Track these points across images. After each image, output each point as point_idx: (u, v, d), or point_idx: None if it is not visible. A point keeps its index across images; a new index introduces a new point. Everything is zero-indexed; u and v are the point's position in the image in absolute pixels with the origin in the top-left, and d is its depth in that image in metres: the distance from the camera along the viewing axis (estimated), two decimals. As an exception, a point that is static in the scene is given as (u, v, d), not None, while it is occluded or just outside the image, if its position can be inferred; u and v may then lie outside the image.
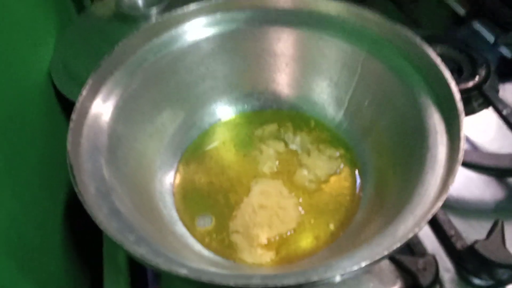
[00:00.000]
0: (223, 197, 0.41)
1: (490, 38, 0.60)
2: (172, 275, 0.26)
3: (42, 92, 0.45)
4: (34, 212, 0.38)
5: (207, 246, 0.37)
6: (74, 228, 0.44)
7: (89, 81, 0.35)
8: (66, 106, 0.47)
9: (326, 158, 0.43)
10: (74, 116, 0.33)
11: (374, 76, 0.41)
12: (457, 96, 0.33)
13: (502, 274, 0.35)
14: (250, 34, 0.44)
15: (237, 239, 0.38)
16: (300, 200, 0.40)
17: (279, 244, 0.38)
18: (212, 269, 0.29)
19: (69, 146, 0.31)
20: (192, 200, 0.41)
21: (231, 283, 0.24)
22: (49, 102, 0.46)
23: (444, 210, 0.40)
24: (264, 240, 0.38)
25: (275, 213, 0.39)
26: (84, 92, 0.34)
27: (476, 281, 0.36)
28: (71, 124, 0.32)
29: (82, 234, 0.45)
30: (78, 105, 0.34)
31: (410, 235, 0.26)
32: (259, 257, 0.37)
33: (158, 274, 0.40)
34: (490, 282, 0.36)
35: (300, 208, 0.40)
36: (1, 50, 0.38)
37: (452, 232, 0.39)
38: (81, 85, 0.35)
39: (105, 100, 0.37)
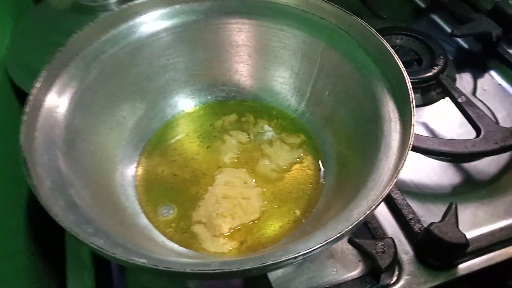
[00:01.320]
0: (187, 188, 0.41)
1: (448, 29, 0.62)
2: (133, 267, 0.26)
3: (-2, 86, 0.44)
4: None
5: (170, 238, 0.37)
6: (38, 224, 0.43)
7: (43, 73, 0.34)
8: (23, 99, 0.45)
9: (289, 147, 0.44)
10: (27, 108, 0.32)
11: (333, 67, 0.42)
12: (409, 84, 0.34)
13: (456, 253, 0.37)
14: (210, 25, 0.44)
15: (199, 229, 0.38)
16: (264, 190, 0.41)
17: (243, 233, 0.38)
18: (172, 258, 0.29)
19: (22, 139, 0.31)
20: (155, 192, 0.40)
21: (188, 269, 0.25)
22: (5, 94, 0.44)
23: (403, 195, 0.42)
24: (227, 230, 0.38)
25: (238, 204, 0.39)
26: (38, 84, 0.34)
27: (433, 261, 0.38)
28: (24, 117, 0.32)
29: (46, 230, 0.44)
30: (31, 98, 0.33)
31: (362, 219, 0.27)
32: (221, 246, 0.37)
33: (123, 269, 0.39)
34: (446, 262, 0.37)
35: (263, 198, 0.40)
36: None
37: (410, 216, 0.40)
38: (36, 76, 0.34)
39: (60, 93, 0.36)
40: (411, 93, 0.33)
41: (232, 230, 0.38)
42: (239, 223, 0.38)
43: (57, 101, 0.35)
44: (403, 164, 0.29)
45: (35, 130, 0.33)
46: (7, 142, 0.41)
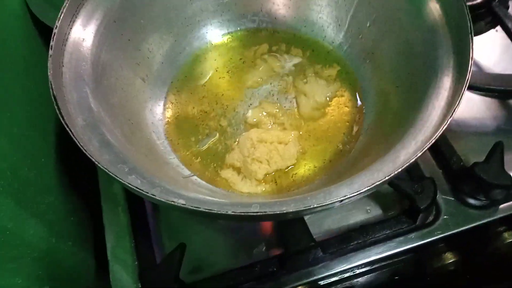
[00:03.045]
0: (218, 126, 0.40)
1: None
2: (172, 207, 0.26)
3: (20, 20, 0.42)
4: (24, 147, 0.37)
5: (202, 177, 0.37)
6: (68, 160, 0.43)
7: (66, 4, 0.32)
8: (46, 33, 0.44)
9: (324, 82, 0.41)
10: (52, 42, 0.30)
11: (377, -8, 0.38)
12: (468, 12, 0.30)
13: (498, 194, 0.35)
14: None
15: (228, 173, 0.37)
16: (300, 132, 0.39)
17: (277, 176, 0.37)
18: (209, 198, 0.28)
19: (50, 76, 0.29)
20: (186, 130, 0.39)
21: (229, 211, 0.24)
22: (27, 30, 0.42)
23: (444, 133, 0.40)
24: (262, 176, 0.37)
25: (274, 148, 0.38)
26: (61, 16, 0.31)
27: (472, 201, 0.37)
28: (50, 51, 0.30)
29: (76, 166, 0.44)
30: (55, 31, 0.31)
31: (412, 161, 0.26)
32: (254, 187, 0.36)
33: (156, 205, 0.40)
34: (485, 202, 0.36)
35: (299, 141, 0.39)
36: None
37: (451, 155, 0.38)
38: (58, 8, 0.32)
39: (85, 24, 0.34)
40: (470, 22, 0.29)
41: (267, 175, 0.37)
42: (275, 169, 0.37)
43: (82, 34, 0.33)
44: (458, 103, 0.27)
45: (62, 66, 0.31)
46: (32, 78, 0.40)
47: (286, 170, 0.37)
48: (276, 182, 0.37)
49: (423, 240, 0.35)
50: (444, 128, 0.26)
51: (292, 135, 0.38)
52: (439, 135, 0.26)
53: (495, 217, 0.36)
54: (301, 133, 0.39)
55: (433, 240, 0.35)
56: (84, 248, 0.42)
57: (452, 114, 0.26)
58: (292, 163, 0.37)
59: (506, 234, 0.39)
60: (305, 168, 0.37)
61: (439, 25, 0.33)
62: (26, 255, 0.34)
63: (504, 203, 0.37)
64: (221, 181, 0.37)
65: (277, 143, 0.38)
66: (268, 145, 0.38)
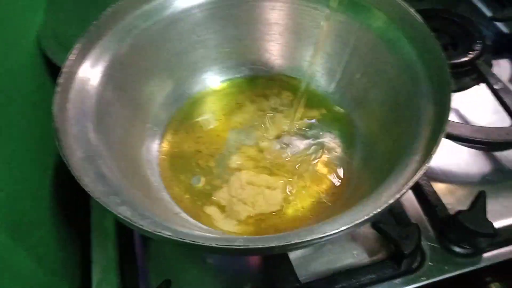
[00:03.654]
0: (211, 166, 0.41)
1: (488, 13, 0.59)
2: (159, 239, 0.27)
3: (32, 59, 0.45)
4: (23, 180, 0.38)
5: (188, 212, 0.37)
6: (64, 194, 0.44)
7: (77, 46, 0.35)
8: (56, 73, 0.46)
9: (317, 130, 0.43)
10: (61, 79, 0.33)
11: (367, 47, 0.41)
12: (448, 68, 0.33)
13: (482, 242, 0.36)
14: (243, 2, 0.43)
15: (211, 210, 0.38)
16: (290, 179, 0.40)
17: (260, 219, 0.38)
18: (197, 233, 0.29)
19: (55, 110, 0.31)
20: (180, 168, 0.41)
21: (213, 244, 0.25)
22: (39, 69, 0.45)
23: (430, 182, 0.41)
24: (244, 218, 0.37)
25: (261, 192, 0.39)
26: (72, 56, 0.34)
27: (457, 249, 0.37)
28: (58, 88, 0.32)
29: (72, 201, 0.45)
30: (65, 69, 0.33)
31: (391, 203, 0.27)
32: (234, 227, 0.37)
33: (146, 240, 0.40)
34: (470, 250, 0.37)
35: (288, 187, 0.39)
36: (-11, 15, 0.38)
37: (436, 203, 0.39)
38: (69, 50, 0.35)
39: (93, 65, 0.36)
40: (450, 77, 0.32)
41: (249, 218, 0.38)
42: (258, 212, 0.38)
43: (89, 74, 0.36)
44: (435, 150, 0.28)
45: (68, 102, 0.33)
46: (37, 114, 0.42)
47: (270, 216, 0.38)
48: (258, 225, 0.37)
49: (407, 285, 0.35)
50: (421, 173, 0.27)
51: (281, 181, 0.39)
52: (416, 179, 0.27)
53: (479, 266, 0.37)
54: (290, 179, 0.40)
55: (418, 287, 0.36)
56: (70, 283, 0.42)
57: (429, 160, 0.28)
58: (276, 209, 0.38)
59: (493, 286, 0.39)
60: (293, 209, 0.38)
61: (422, 78, 0.35)
62: (12, 286, 0.34)
63: (489, 251, 0.37)
64: (205, 216, 0.38)
65: (264, 187, 0.39)
66: (255, 188, 0.39)
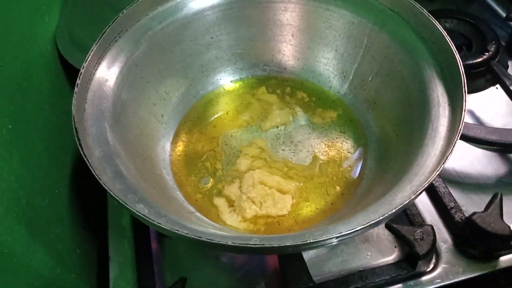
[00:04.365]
0: (225, 166, 0.41)
1: (502, 13, 0.59)
2: (175, 236, 0.27)
3: (48, 59, 0.45)
4: (41, 177, 0.39)
5: (199, 208, 0.38)
6: (80, 192, 0.45)
7: (94, 48, 0.35)
8: (71, 73, 0.47)
9: (329, 129, 0.43)
10: (79, 81, 0.33)
11: (380, 48, 0.41)
12: (461, 68, 0.32)
13: (498, 245, 0.36)
14: (256, 3, 0.44)
15: (219, 202, 0.39)
16: (301, 184, 0.40)
17: (267, 222, 0.38)
18: (212, 231, 0.29)
19: (74, 110, 0.32)
20: (194, 168, 0.41)
21: (229, 242, 0.25)
22: (55, 69, 0.46)
23: (445, 183, 0.41)
24: (249, 216, 0.38)
25: (271, 194, 0.39)
26: (89, 58, 0.35)
27: (472, 251, 0.37)
28: (76, 89, 0.33)
29: (88, 199, 0.46)
30: (83, 71, 0.34)
31: (406, 203, 0.27)
32: (238, 223, 0.37)
33: (161, 238, 0.41)
34: (485, 253, 0.36)
35: (298, 194, 0.39)
36: (6, 17, 0.38)
37: (451, 205, 0.39)
38: (86, 52, 0.36)
39: (109, 66, 0.37)
40: (464, 77, 0.32)
41: (255, 217, 0.38)
42: (264, 213, 0.38)
43: (106, 75, 0.36)
44: (451, 151, 0.28)
45: (86, 102, 0.34)
46: (54, 113, 0.42)
47: (275, 219, 0.38)
48: (263, 227, 0.37)
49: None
50: (437, 174, 0.27)
51: (294, 185, 0.39)
52: (432, 180, 0.27)
53: (495, 268, 0.36)
54: (301, 184, 0.40)
55: (433, 289, 0.35)
56: (87, 281, 0.43)
57: (445, 161, 0.28)
58: (283, 214, 0.38)
59: (509, 289, 0.39)
60: (307, 210, 0.38)
61: (435, 78, 0.35)
62: (29, 284, 0.35)
63: (505, 255, 0.37)
64: (212, 207, 0.38)
65: (275, 189, 0.39)
66: (266, 189, 0.39)
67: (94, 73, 0.36)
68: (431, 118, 0.33)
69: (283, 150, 0.42)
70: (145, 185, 0.33)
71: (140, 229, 0.40)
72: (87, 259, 0.44)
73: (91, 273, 0.44)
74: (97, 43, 0.36)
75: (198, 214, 0.38)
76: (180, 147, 0.43)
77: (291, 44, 0.46)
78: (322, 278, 0.36)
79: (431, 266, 0.37)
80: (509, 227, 0.35)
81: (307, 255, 0.37)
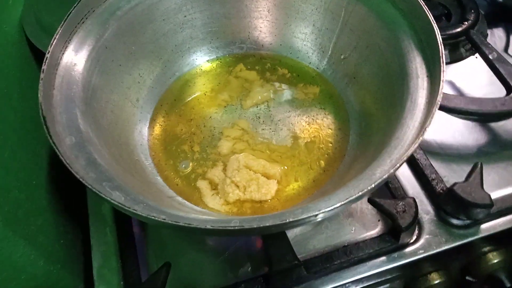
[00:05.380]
0: (204, 147, 0.41)
1: (481, -19, 0.58)
2: (153, 223, 0.26)
3: (15, 45, 0.43)
4: (15, 169, 0.38)
5: (180, 192, 0.37)
6: (60, 182, 0.44)
7: (59, 30, 0.34)
8: (40, 58, 0.45)
9: (309, 104, 0.43)
10: (44, 66, 0.32)
11: (357, 21, 0.40)
12: (439, 39, 0.32)
13: (479, 213, 0.36)
14: (229, -22, 0.42)
15: (203, 184, 0.38)
16: (285, 167, 0.39)
17: (249, 206, 0.38)
18: (192, 215, 0.29)
19: (40, 98, 0.31)
20: (173, 152, 0.40)
21: (208, 226, 0.25)
22: (23, 55, 0.44)
23: (426, 155, 0.41)
24: (232, 200, 0.37)
25: (255, 178, 0.38)
26: (54, 42, 0.33)
27: (454, 221, 0.37)
28: (42, 75, 0.31)
29: (69, 188, 0.45)
30: (48, 55, 0.32)
31: (386, 177, 0.26)
32: (220, 206, 0.37)
33: (144, 225, 0.40)
34: (467, 222, 0.37)
35: (282, 176, 0.39)
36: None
37: (433, 176, 0.39)
38: (52, 35, 0.34)
39: (77, 50, 0.35)
40: (441, 48, 0.31)
41: (238, 201, 0.37)
42: (248, 198, 0.37)
43: (74, 59, 0.35)
44: (429, 122, 0.28)
45: (53, 88, 0.33)
46: (25, 102, 0.41)
47: (258, 204, 0.37)
48: (246, 209, 0.37)
49: (406, 259, 0.36)
50: (415, 147, 0.27)
51: (279, 169, 0.39)
52: (410, 152, 0.27)
53: (477, 237, 0.37)
54: (286, 168, 0.39)
55: (417, 260, 0.36)
56: (72, 272, 0.42)
57: (423, 133, 0.28)
58: (267, 199, 0.37)
59: (490, 255, 0.40)
60: (289, 188, 0.38)
61: (414, 49, 0.34)
62: (13, 279, 0.34)
63: (486, 222, 0.37)
64: (194, 191, 0.38)
65: (260, 174, 0.38)
66: (251, 173, 0.38)
67: (61, 58, 0.34)
68: (410, 91, 0.32)
69: (263, 129, 0.42)
70: (122, 172, 0.32)
71: (122, 216, 0.40)
72: (71, 250, 0.44)
73: (76, 264, 0.43)
74: (62, 25, 0.34)
75: (179, 198, 0.37)
76: (157, 131, 0.41)
77: (268, 20, 0.45)
78: (306, 256, 0.36)
79: (414, 237, 0.37)
80: (489, 195, 0.35)
81: (291, 233, 0.37)
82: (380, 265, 0.35)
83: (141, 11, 0.40)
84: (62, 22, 0.34)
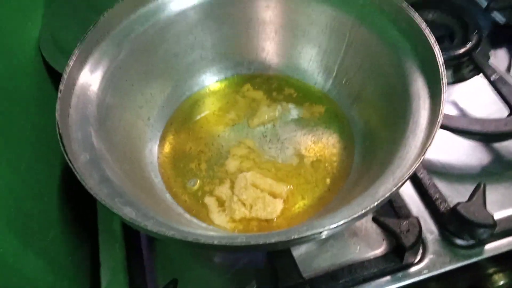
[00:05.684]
0: (212, 166, 0.42)
1: (483, 2, 0.59)
2: (163, 238, 0.27)
3: (32, 64, 0.45)
4: (30, 182, 0.39)
5: (188, 209, 0.38)
6: (72, 197, 0.45)
7: (76, 52, 0.35)
8: (56, 78, 0.47)
9: (316, 126, 0.44)
10: (62, 86, 0.33)
11: (362, 43, 0.41)
12: (440, 61, 0.33)
13: (482, 234, 0.36)
14: (237, 2, 0.44)
15: (210, 201, 0.39)
16: (290, 187, 0.40)
17: (255, 224, 0.38)
18: (200, 231, 0.30)
19: (58, 116, 0.32)
20: (182, 170, 0.41)
21: (215, 241, 0.25)
22: (39, 74, 0.46)
23: (429, 175, 0.41)
24: (238, 218, 0.38)
25: (262, 197, 0.39)
26: (71, 63, 0.35)
27: (458, 241, 0.37)
28: (59, 94, 0.33)
29: (80, 203, 0.46)
30: (65, 76, 0.34)
31: (388, 196, 0.27)
32: (226, 223, 0.37)
33: (152, 241, 0.41)
34: (471, 242, 0.37)
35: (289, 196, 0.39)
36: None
37: (436, 196, 0.40)
38: (68, 56, 0.36)
39: (92, 70, 0.37)
40: (442, 69, 0.32)
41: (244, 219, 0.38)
42: (254, 216, 0.38)
43: (89, 79, 0.36)
44: (431, 142, 0.29)
45: (70, 107, 0.34)
46: (41, 118, 0.42)
47: (263, 223, 0.38)
48: (252, 227, 0.38)
49: (410, 279, 0.36)
50: (417, 166, 0.28)
51: (286, 189, 0.39)
52: (412, 171, 0.28)
53: (481, 257, 0.37)
54: (292, 187, 0.40)
55: (421, 280, 0.36)
56: (81, 286, 0.43)
57: (424, 153, 0.28)
58: (272, 218, 0.38)
59: (496, 277, 0.40)
60: (295, 206, 0.39)
61: (416, 71, 0.36)
62: (23, 291, 0.35)
63: (490, 243, 0.38)
64: (201, 207, 0.39)
65: (267, 193, 0.39)
66: (257, 192, 0.39)
67: (77, 78, 0.36)
68: (412, 111, 0.33)
69: (269, 148, 0.43)
70: (132, 188, 0.33)
71: (131, 232, 0.40)
72: (80, 265, 0.44)
73: (85, 279, 0.44)
74: (78, 47, 0.36)
75: (187, 215, 0.38)
76: (167, 149, 0.43)
77: (275, 42, 0.46)
78: (311, 274, 0.37)
79: (418, 257, 0.37)
80: (492, 216, 0.35)
81: (296, 251, 0.38)
82: (384, 285, 0.36)
83: (154, 33, 0.41)
84: (79, 44, 0.36)
